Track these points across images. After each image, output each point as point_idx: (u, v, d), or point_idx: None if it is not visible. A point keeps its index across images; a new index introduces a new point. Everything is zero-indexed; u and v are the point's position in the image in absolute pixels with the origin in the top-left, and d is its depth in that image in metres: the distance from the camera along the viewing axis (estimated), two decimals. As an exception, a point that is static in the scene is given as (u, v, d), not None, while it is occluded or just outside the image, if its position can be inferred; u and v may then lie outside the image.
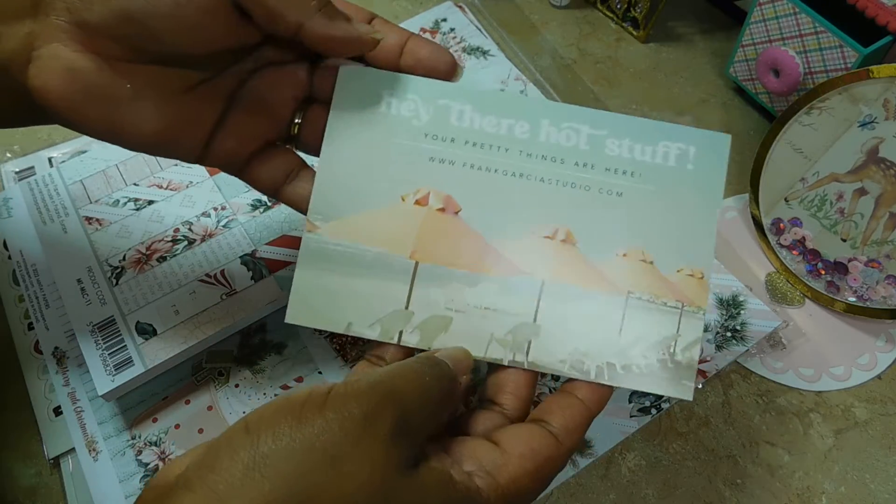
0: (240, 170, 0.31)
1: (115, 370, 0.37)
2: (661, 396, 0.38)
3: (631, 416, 0.37)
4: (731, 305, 0.41)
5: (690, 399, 0.27)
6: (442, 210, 0.29)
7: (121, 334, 0.38)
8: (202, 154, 0.30)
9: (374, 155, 0.29)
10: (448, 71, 0.29)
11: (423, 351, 0.27)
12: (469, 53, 0.54)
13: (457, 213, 0.29)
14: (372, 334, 0.28)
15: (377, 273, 0.28)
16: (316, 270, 0.28)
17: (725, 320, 0.41)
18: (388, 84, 0.30)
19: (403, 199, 0.29)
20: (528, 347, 0.27)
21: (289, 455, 0.20)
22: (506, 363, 0.27)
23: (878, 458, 0.37)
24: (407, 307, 0.28)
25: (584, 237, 0.28)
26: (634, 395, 0.38)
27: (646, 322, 0.27)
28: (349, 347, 0.40)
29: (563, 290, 0.28)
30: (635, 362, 0.27)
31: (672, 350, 0.27)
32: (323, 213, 0.29)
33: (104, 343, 0.38)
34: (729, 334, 0.40)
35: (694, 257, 0.28)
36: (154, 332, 0.38)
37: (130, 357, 0.37)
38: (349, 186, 0.29)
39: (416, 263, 0.28)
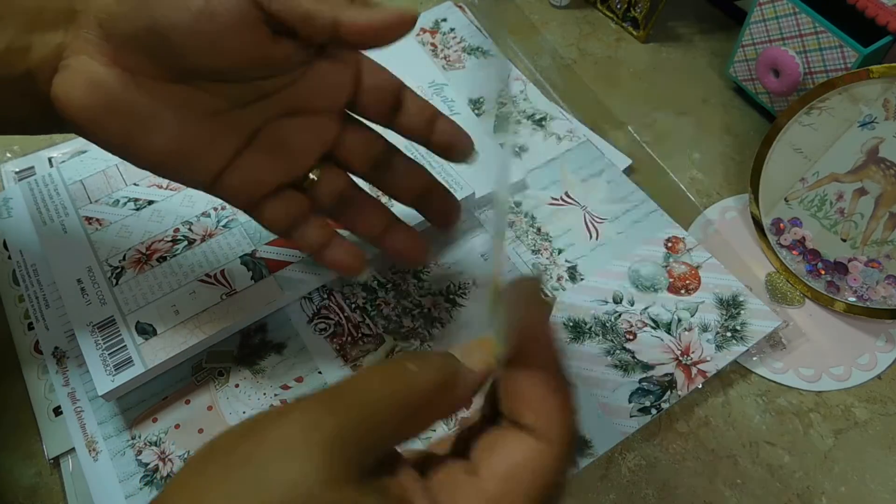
0: (246, 206, 0.31)
1: (115, 370, 0.37)
2: (662, 396, 0.38)
3: (631, 416, 0.37)
4: (731, 305, 0.41)
5: None
6: None
7: (121, 334, 0.38)
8: (211, 184, 0.29)
9: None
10: (466, 152, 0.31)
11: None
12: (469, 53, 0.54)
13: None
14: None
15: None
16: None
17: (725, 320, 0.41)
18: None
19: None
20: None
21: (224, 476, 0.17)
22: None
23: (878, 458, 0.37)
24: None
25: None
26: (634, 395, 0.38)
27: None
28: (349, 347, 0.40)
29: None
30: None
31: None
32: None
33: (104, 343, 0.38)
34: (729, 334, 0.40)
35: None
36: (154, 332, 0.38)
37: (130, 357, 0.37)
38: None
39: None
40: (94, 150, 0.46)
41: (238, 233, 0.42)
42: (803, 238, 0.43)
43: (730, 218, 0.47)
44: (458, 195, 0.44)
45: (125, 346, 0.38)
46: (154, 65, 0.25)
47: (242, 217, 0.43)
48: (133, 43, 0.25)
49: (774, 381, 0.40)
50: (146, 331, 0.39)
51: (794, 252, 0.44)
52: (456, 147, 0.31)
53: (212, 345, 0.39)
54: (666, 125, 0.52)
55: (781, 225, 0.44)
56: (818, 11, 0.44)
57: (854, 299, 0.41)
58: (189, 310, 0.39)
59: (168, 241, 0.42)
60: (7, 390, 0.40)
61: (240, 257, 0.41)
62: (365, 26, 0.25)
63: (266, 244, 0.42)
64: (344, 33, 0.26)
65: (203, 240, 0.42)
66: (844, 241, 0.41)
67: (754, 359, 0.40)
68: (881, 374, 0.40)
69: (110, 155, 0.40)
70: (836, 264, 0.42)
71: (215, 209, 0.43)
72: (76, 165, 0.46)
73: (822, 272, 0.42)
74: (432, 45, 0.55)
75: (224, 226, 0.43)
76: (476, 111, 0.50)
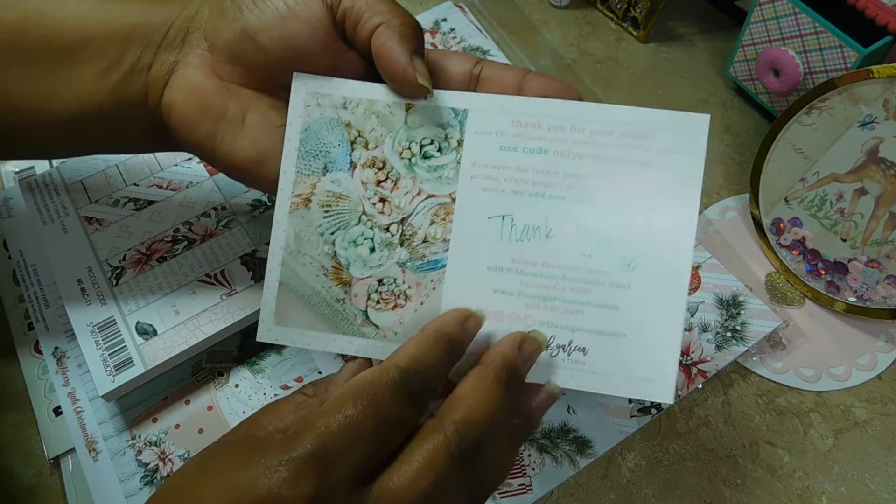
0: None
1: (116, 370, 0.37)
2: None
3: (631, 416, 0.37)
4: (731, 305, 0.41)
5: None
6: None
7: (121, 334, 0.38)
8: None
9: None
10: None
11: None
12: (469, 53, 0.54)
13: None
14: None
15: None
16: None
17: (725, 320, 0.41)
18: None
19: None
20: None
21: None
22: None
23: (878, 458, 0.37)
24: None
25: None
26: None
27: None
28: None
29: None
30: None
31: None
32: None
33: (104, 343, 0.38)
34: (729, 334, 0.40)
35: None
36: (154, 333, 0.38)
37: (131, 357, 0.37)
38: None
39: None
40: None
41: (238, 233, 0.42)
42: (803, 238, 0.43)
43: (730, 218, 0.47)
44: None
45: (125, 346, 0.38)
46: (245, 73, 0.29)
47: (242, 217, 0.43)
48: (229, 50, 0.29)
49: (774, 381, 0.40)
50: (146, 331, 0.39)
51: (794, 252, 0.44)
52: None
53: (212, 345, 0.39)
54: (666, 125, 0.52)
55: (781, 225, 0.44)
56: (818, 11, 0.44)
57: (854, 299, 0.41)
58: (189, 310, 0.39)
59: (168, 241, 0.42)
60: (7, 391, 0.40)
61: (240, 257, 0.41)
62: (386, 62, 0.28)
63: (266, 244, 0.42)
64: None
65: (203, 240, 0.42)
66: (844, 241, 0.41)
67: (754, 359, 0.40)
68: (881, 374, 0.40)
69: (110, 155, 0.41)
70: (836, 264, 0.42)
71: (215, 209, 0.43)
72: (76, 165, 0.46)
73: (822, 272, 0.42)
74: (432, 45, 0.55)
75: (224, 226, 0.43)
76: None
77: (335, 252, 0.29)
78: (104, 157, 0.45)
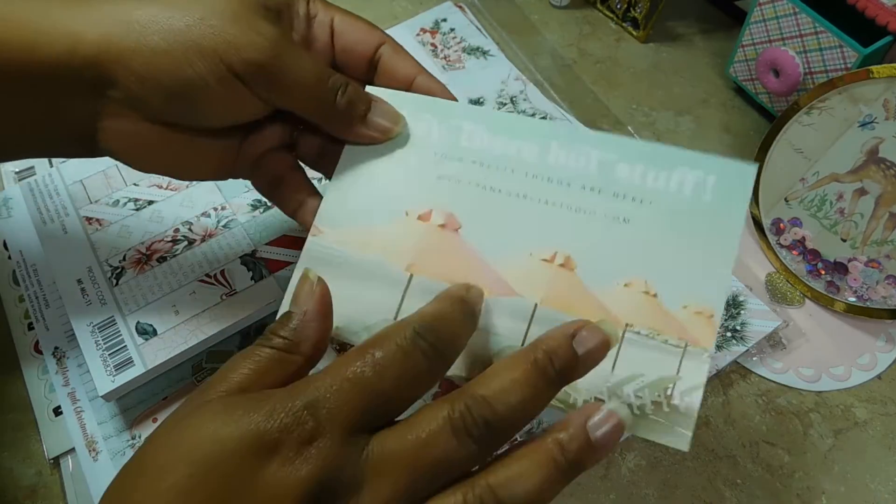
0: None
1: (116, 370, 0.37)
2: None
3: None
4: (731, 305, 0.41)
5: (686, 450, 0.25)
6: (442, 227, 0.29)
7: (121, 334, 0.38)
8: (251, 173, 0.33)
9: (385, 170, 0.30)
10: None
11: None
12: (469, 53, 0.54)
13: (457, 230, 0.28)
14: (356, 340, 0.27)
15: (372, 282, 0.28)
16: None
17: (725, 320, 0.41)
18: (404, 103, 0.30)
19: (407, 215, 0.29)
20: None
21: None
22: None
23: (878, 458, 0.37)
24: (395, 318, 0.27)
25: (585, 263, 0.27)
26: None
27: (643, 359, 0.25)
28: (350, 347, 0.40)
29: (556, 315, 0.26)
30: (628, 402, 0.25)
31: (669, 393, 0.25)
32: (330, 221, 0.29)
33: (104, 343, 0.38)
34: (729, 334, 0.40)
35: (704, 294, 0.25)
36: (154, 333, 0.38)
37: (131, 357, 0.37)
38: (358, 198, 0.29)
39: (411, 276, 0.28)
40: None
41: (238, 233, 0.42)
42: (803, 238, 0.43)
43: (730, 218, 0.47)
44: None
45: (125, 346, 0.38)
46: (173, 118, 0.29)
47: (242, 217, 0.43)
48: (152, 103, 0.27)
49: (774, 381, 0.40)
50: (146, 331, 0.39)
51: (794, 252, 0.44)
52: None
53: (212, 345, 0.39)
54: (666, 125, 0.52)
55: (781, 225, 0.44)
56: (818, 11, 0.44)
57: (854, 299, 0.41)
58: (189, 310, 0.39)
59: (168, 241, 0.42)
60: (7, 390, 0.40)
61: (240, 257, 0.41)
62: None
63: (266, 244, 0.42)
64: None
65: (203, 240, 0.42)
66: (844, 241, 0.41)
67: (754, 359, 0.40)
68: (881, 374, 0.40)
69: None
70: (836, 264, 0.42)
71: (215, 209, 0.43)
72: (76, 166, 0.46)
73: (822, 272, 0.42)
74: (432, 45, 0.55)
75: (224, 226, 0.43)
76: None
77: None
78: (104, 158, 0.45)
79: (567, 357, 0.23)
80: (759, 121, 0.52)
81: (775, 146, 0.43)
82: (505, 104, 0.51)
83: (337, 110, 0.28)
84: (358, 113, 0.29)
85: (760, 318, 0.40)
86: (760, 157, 0.44)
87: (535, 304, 0.27)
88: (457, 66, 0.53)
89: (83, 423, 0.38)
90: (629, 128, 0.51)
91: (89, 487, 0.36)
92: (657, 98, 0.53)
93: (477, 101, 0.51)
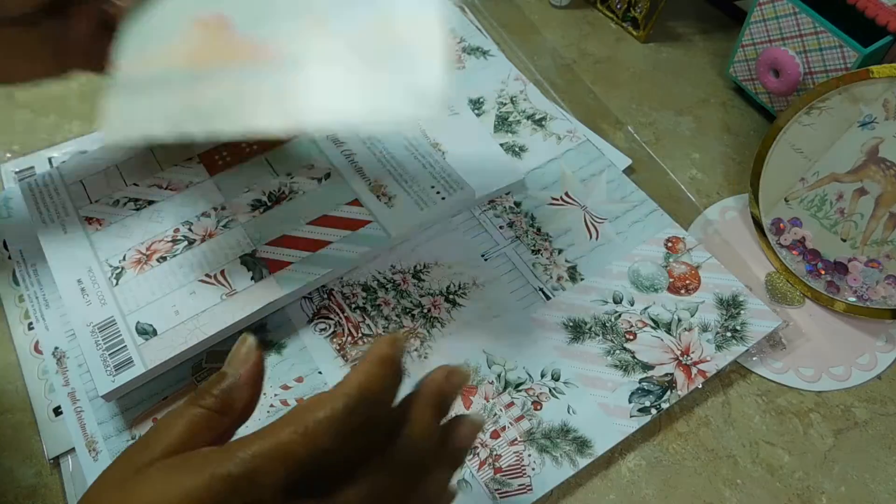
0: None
1: (116, 370, 0.37)
2: (661, 396, 0.38)
3: (631, 416, 0.37)
4: (731, 305, 0.41)
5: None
6: (213, 25, 0.31)
7: (121, 335, 0.38)
8: (87, 62, 0.36)
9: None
10: None
11: None
12: (469, 53, 0.54)
13: (226, 25, 0.31)
14: (163, 132, 0.30)
15: (168, 86, 0.31)
16: (121, 98, 0.32)
17: (725, 320, 0.41)
18: None
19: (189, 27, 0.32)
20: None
21: None
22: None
23: (878, 458, 0.37)
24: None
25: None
26: (634, 395, 0.38)
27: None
28: (349, 347, 0.40)
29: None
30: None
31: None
32: (126, 54, 0.33)
33: (104, 343, 0.38)
34: (729, 334, 0.40)
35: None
36: (154, 333, 0.38)
37: (131, 357, 0.37)
38: (149, 27, 0.33)
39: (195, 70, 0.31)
40: (95, 151, 0.46)
41: (238, 233, 0.42)
42: (803, 238, 0.43)
43: (730, 218, 0.47)
44: (459, 195, 0.44)
45: (125, 346, 0.38)
46: None
47: (242, 217, 0.43)
48: None
49: (774, 381, 0.40)
50: (146, 331, 0.39)
51: (794, 252, 0.44)
52: None
53: (212, 345, 0.39)
54: (666, 125, 0.52)
55: (781, 225, 0.44)
56: (818, 11, 0.44)
57: (854, 299, 0.41)
58: (189, 310, 0.39)
59: (168, 241, 0.42)
60: (7, 390, 0.40)
61: (240, 257, 0.41)
62: None
63: (266, 244, 0.42)
64: None
65: (203, 240, 0.42)
66: (844, 241, 0.41)
67: (754, 359, 0.40)
68: (881, 374, 0.40)
69: (111, 155, 0.42)
70: (836, 264, 0.42)
71: (215, 209, 0.43)
72: (76, 166, 0.46)
73: (822, 272, 0.42)
74: None
75: (224, 226, 0.43)
76: (476, 111, 0.50)
77: None
78: (105, 157, 0.45)
79: (447, 393, 0.27)
80: (759, 121, 0.52)
81: (775, 146, 0.43)
82: (505, 104, 0.51)
83: None
84: None
85: (760, 318, 0.40)
86: (760, 157, 0.44)
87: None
88: (457, 65, 0.53)
89: (83, 422, 0.38)
90: (629, 128, 0.51)
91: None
92: (657, 98, 0.53)
93: (477, 101, 0.51)
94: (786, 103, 0.48)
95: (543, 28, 0.58)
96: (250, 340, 0.26)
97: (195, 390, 0.25)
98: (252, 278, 0.40)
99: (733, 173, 0.49)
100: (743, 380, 0.40)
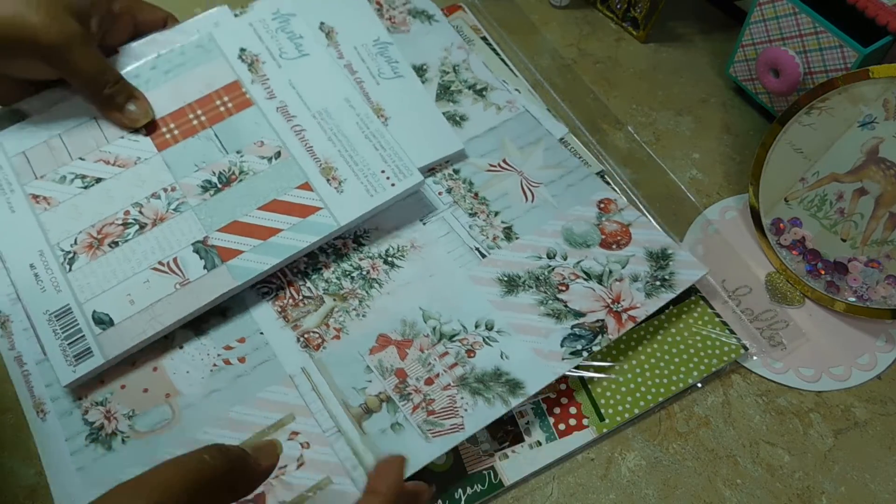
0: None
1: (76, 360, 0.43)
2: (592, 340, 0.46)
3: (563, 360, 0.45)
4: (660, 258, 0.50)
5: None
6: None
7: (78, 324, 0.44)
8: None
9: None
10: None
11: None
12: (414, 17, 0.62)
13: None
14: None
15: None
16: None
17: (655, 271, 0.49)
18: None
19: None
20: None
21: None
22: None
23: (878, 458, 0.45)
24: None
25: None
26: (566, 340, 0.46)
27: None
28: (290, 309, 0.47)
29: None
30: None
31: None
32: None
33: (62, 332, 0.44)
34: (658, 283, 0.49)
35: None
36: (111, 322, 0.44)
37: (90, 347, 0.43)
38: None
39: None
40: (35, 116, 0.51)
41: (189, 217, 0.48)
42: (803, 238, 0.51)
43: (730, 218, 0.55)
44: (408, 181, 0.50)
45: (83, 335, 0.44)
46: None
47: (193, 200, 0.49)
48: None
49: (774, 381, 0.47)
50: (103, 320, 0.44)
51: (794, 252, 0.52)
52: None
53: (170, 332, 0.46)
54: (666, 125, 0.60)
55: (781, 225, 0.52)
56: (818, 11, 0.52)
57: (854, 299, 0.49)
58: (144, 300, 0.45)
59: (119, 225, 0.48)
60: (6, 390, 0.46)
61: (192, 244, 0.47)
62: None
63: (217, 230, 0.48)
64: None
65: (154, 224, 0.48)
66: (844, 241, 0.50)
67: (754, 359, 0.48)
68: (881, 374, 0.48)
69: (53, 125, 0.52)
70: (836, 264, 0.50)
71: (164, 190, 0.49)
72: (17, 135, 0.50)
73: (822, 272, 0.50)
74: (378, 3, 0.63)
75: (174, 209, 0.48)
76: (421, 77, 0.59)
77: None
78: (47, 126, 0.50)
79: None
80: (759, 121, 0.61)
81: (775, 146, 0.52)
82: (447, 72, 0.59)
83: (104, 96, 0.49)
84: (117, 102, 0.50)
85: (688, 268, 0.49)
86: (760, 157, 0.52)
87: None
88: (402, 28, 0.61)
89: (31, 385, 0.45)
90: (629, 128, 0.59)
91: (37, 445, 0.43)
92: (657, 98, 0.62)
93: (420, 69, 0.59)
94: (786, 103, 0.57)
95: (543, 28, 0.67)
96: (279, 447, 0.39)
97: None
98: (205, 267, 0.46)
99: (733, 173, 0.57)
100: (743, 380, 0.47)
